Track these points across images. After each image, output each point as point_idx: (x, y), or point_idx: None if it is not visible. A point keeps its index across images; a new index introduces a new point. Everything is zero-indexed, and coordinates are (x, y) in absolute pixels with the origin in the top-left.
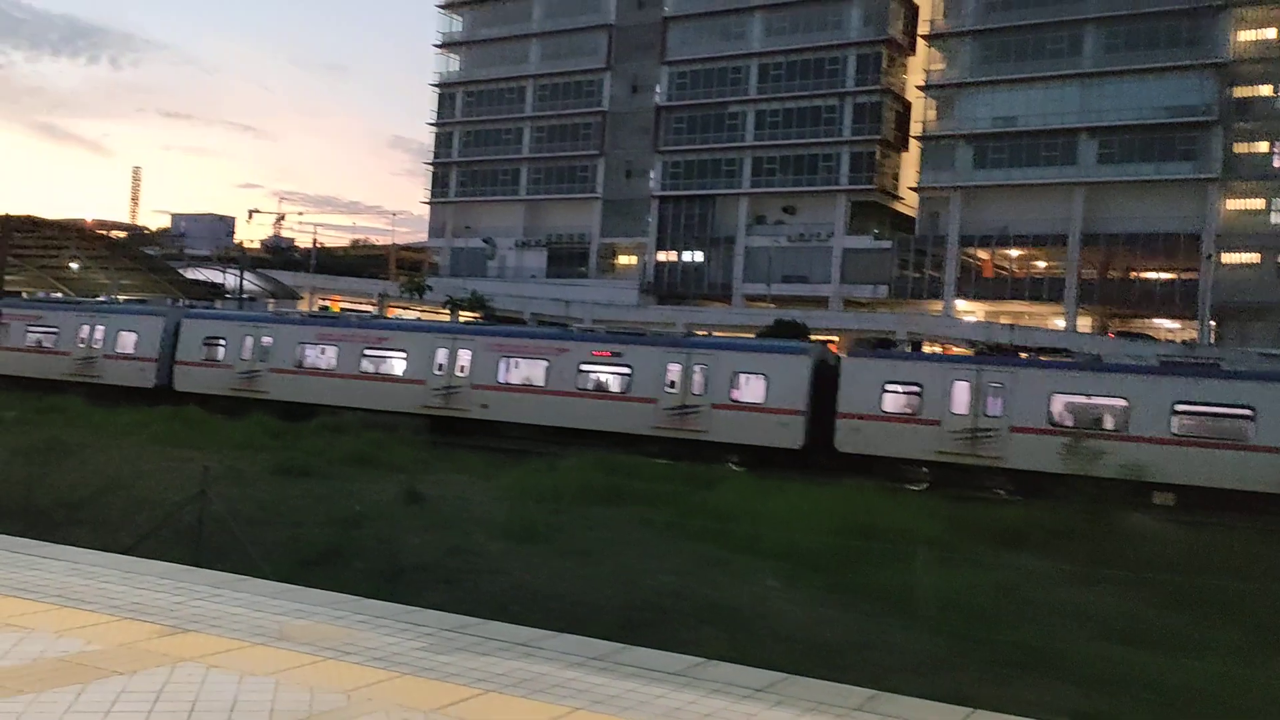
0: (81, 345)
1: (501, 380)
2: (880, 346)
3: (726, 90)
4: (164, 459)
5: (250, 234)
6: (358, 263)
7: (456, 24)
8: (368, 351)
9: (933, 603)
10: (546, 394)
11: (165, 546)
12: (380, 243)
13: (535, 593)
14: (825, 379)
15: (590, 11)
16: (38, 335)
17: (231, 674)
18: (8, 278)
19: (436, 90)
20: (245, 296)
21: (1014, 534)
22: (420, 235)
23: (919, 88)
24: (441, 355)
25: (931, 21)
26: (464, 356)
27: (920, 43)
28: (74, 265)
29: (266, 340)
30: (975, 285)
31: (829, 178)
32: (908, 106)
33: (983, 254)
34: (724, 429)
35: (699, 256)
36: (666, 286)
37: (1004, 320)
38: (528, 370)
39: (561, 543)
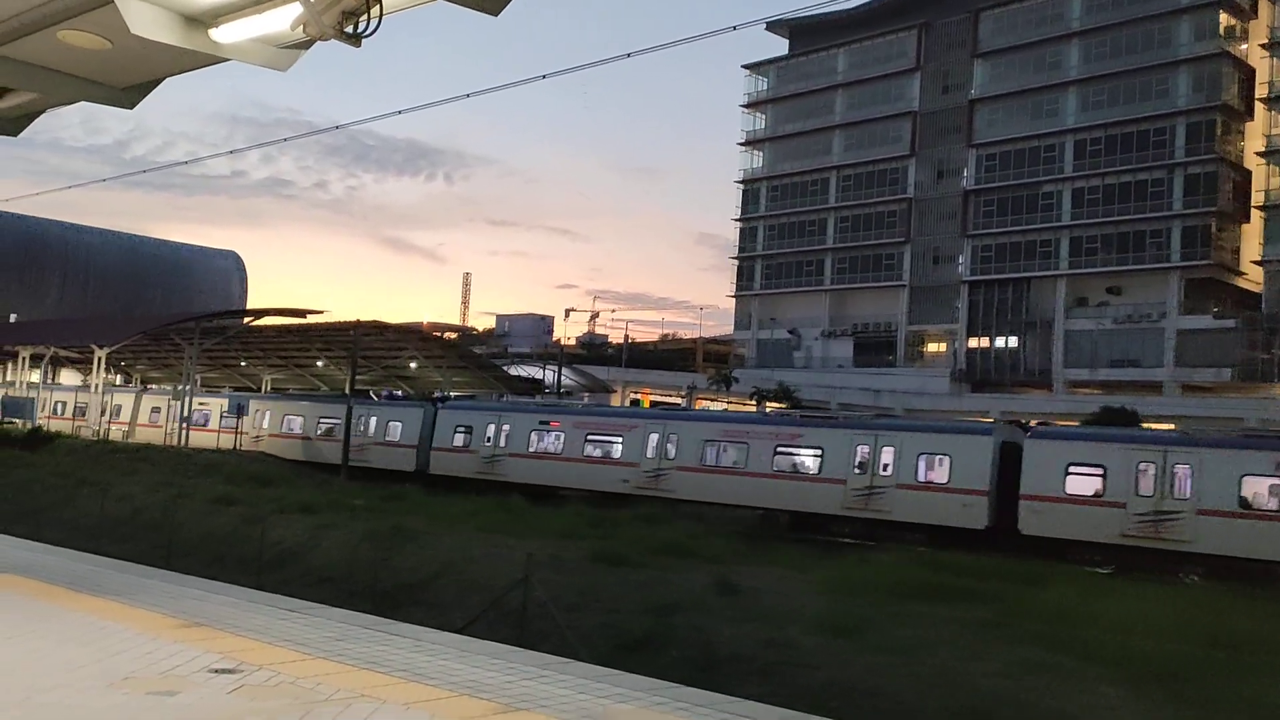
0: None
1: (708, 462)
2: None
3: (1039, 169)
4: (491, 545)
5: (567, 331)
6: (666, 356)
7: (760, 121)
8: (590, 436)
9: None
10: (744, 475)
11: (493, 628)
12: (688, 336)
13: (852, 689)
14: (1011, 460)
15: (894, 100)
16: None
17: None
18: (357, 377)
19: (741, 186)
20: (562, 391)
21: None
22: (726, 328)
23: (1259, 154)
24: (653, 440)
25: (1271, 83)
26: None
27: (1259, 106)
28: (413, 365)
29: (505, 428)
30: None
31: (1159, 254)
32: (1247, 175)
33: None
34: (908, 509)
35: (1013, 342)
36: (979, 373)
37: None
38: (735, 454)
39: (878, 638)
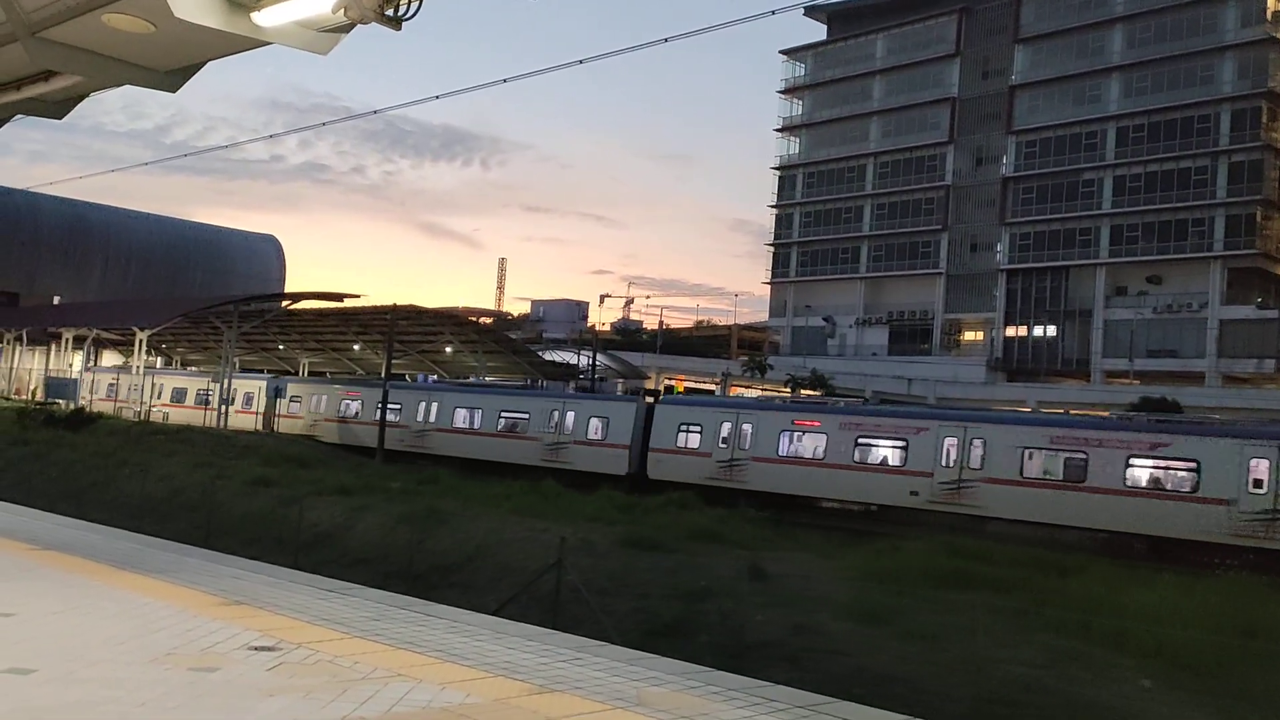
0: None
1: (1032, 474)
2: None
3: (1080, 156)
4: (524, 529)
5: (602, 317)
6: (701, 343)
7: (797, 108)
8: (863, 439)
9: None
10: (1083, 490)
11: (526, 611)
12: (722, 323)
13: (880, 675)
14: None
15: (932, 86)
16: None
17: None
18: (393, 361)
19: (777, 173)
20: (597, 378)
21: None
22: (761, 315)
23: None
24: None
25: None
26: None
27: None
28: (448, 349)
29: (746, 427)
30: None
31: (1200, 243)
32: None
33: None
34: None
35: (1051, 331)
36: (1016, 362)
37: None
38: (1068, 464)
39: (907, 625)
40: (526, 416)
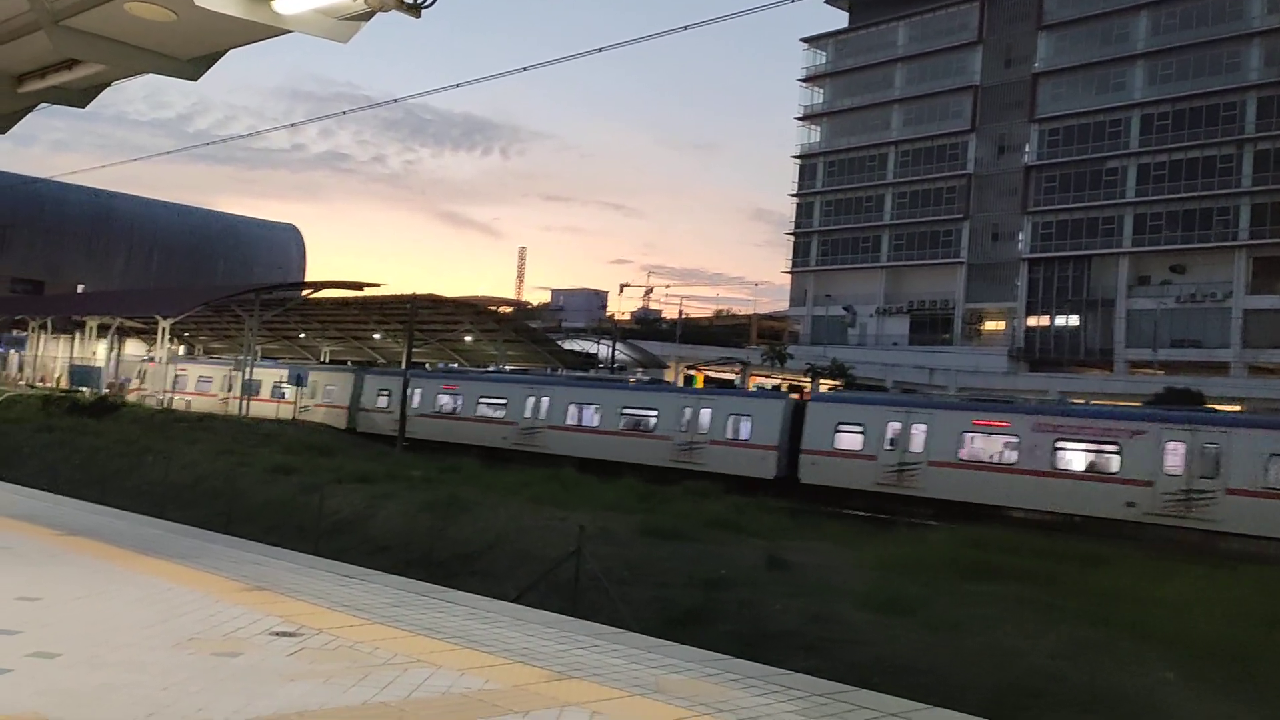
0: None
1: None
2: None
3: (1104, 145)
4: (543, 517)
5: (621, 306)
6: (721, 333)
7: (818, 96)
8: (1062, 443)
9: None
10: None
11: (545, 598)
12: (742, 313)
13: (900, 665)
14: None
15: (954, 74)
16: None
17: None
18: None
19: (798, 162)
20: (617, 366)
21: None
22: (781, 304)
23: None
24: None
25: None
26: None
27: None
28: (468, 338)
29: (919, 428)
30: None
31: (1225, 232)
32: None
33: None
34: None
35: (1074, 320)
36: (1038, 352)
37: None
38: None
39: (929, 616)
40: (654, 414)
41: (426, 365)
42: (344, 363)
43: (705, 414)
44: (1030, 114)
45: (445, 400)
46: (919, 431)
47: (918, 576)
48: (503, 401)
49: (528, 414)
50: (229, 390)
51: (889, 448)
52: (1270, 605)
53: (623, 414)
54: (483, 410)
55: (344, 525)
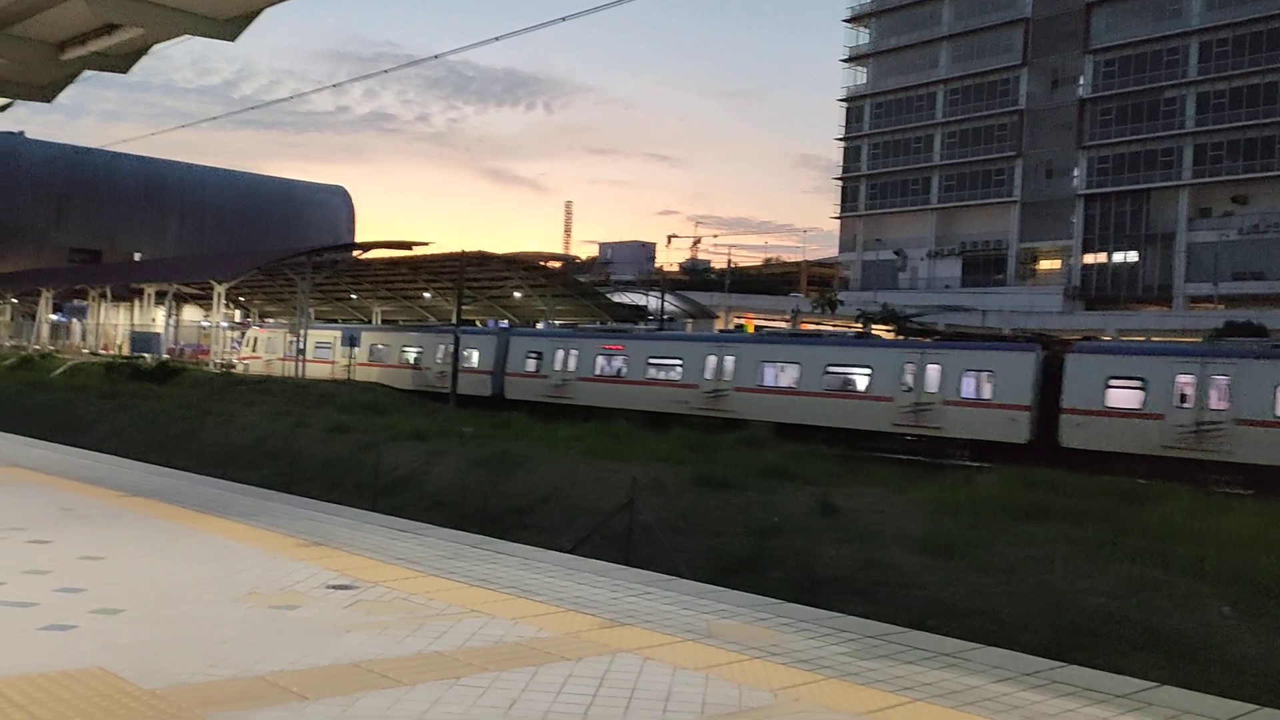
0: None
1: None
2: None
3: (1161, 74)
4: (595, 470)
5: (669, 258)
6: (770, 281)
7: (863, 36)
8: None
9: None
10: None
11: (598, 549)
12: (791, 260)
13: (954, 608)
14: None
15: (1004, 7)
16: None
17: (665, 666)
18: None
19: (844, 105)
20: (666, 317)
21: None
22: (830, 251)
23: None
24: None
25: None
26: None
27: None
28: (517, 294)
29: (1223, 378)
30: None
31: None
32: None
33: None
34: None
35: (1132, 256)
36: (1095, 290)
37: None
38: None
39: (981, 559)
40: (867, 371)
41: (477, 322)
42: (424, 323)
43: (933, 370)
44: (1084, 45)
45: (605, 362)
46: (1219, 384)
47: (969, 519)
48: (678, 362)
49: (708, 375)
50: (350, 357)
51: (1181, 405)
52: None
53: (828, 373)
54: (653, 372)
55: (400, 482)
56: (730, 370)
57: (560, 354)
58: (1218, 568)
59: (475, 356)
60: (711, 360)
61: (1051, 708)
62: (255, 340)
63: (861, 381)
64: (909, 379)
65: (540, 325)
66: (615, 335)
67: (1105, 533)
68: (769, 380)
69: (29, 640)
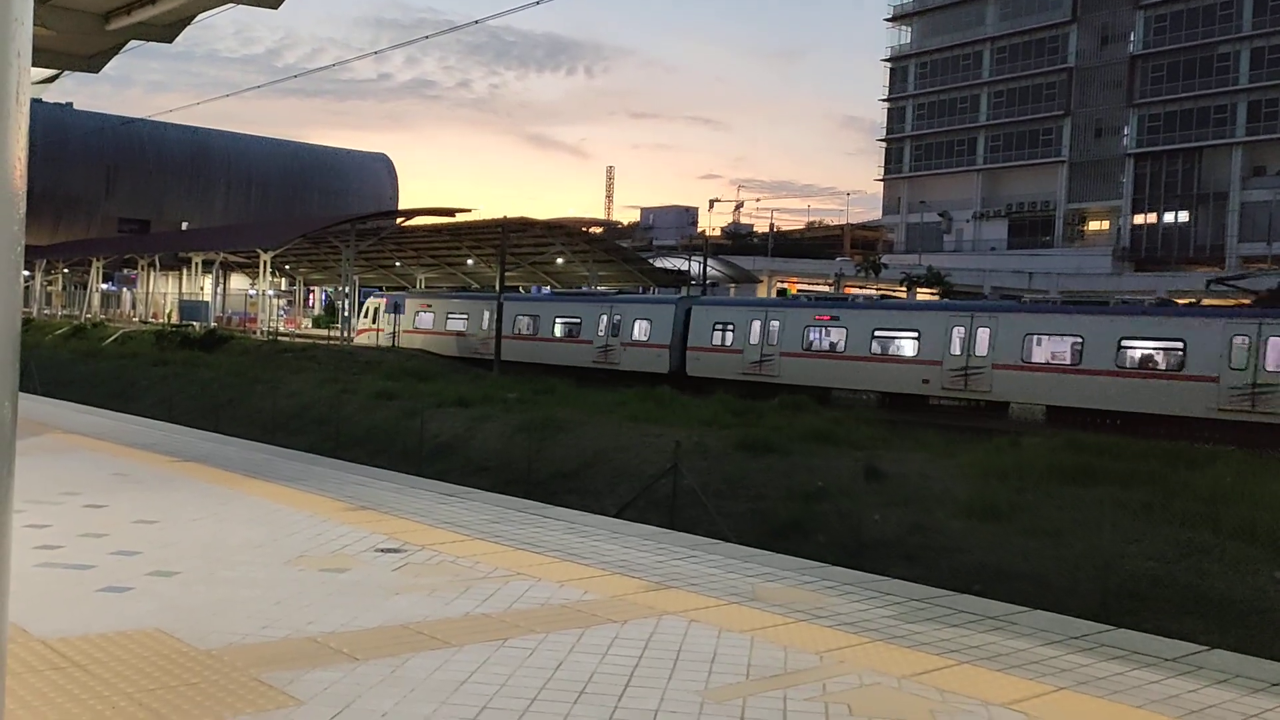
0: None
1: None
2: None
3: (1214, 29)
4: (639, 434)
5: (712, 222)
6: (813, 245)
7: None
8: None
9: None
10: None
11: (643, 514)
12: (834, 223)
13: (1000, 571)
14: None
15: None
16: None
17: (710, 628)
18: (506, 274)
19: (888, 65)
20: (708, 282)
21: None
22: (874, 213)
23: None
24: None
25: None
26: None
27: None
28: (559, 260)
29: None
30: None
31: None
32: None
33: None
34: None
35: (1183, 217)
36: (1145, 251)
37: None
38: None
39: (1027, 522)
40: (1179, 346)
41: (521, 289)
42: (464, 288)
43: (1276, 345)
44: (1135, 0)
45: (816, 334)
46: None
47: (1016, 483)
48: (914, 334)
49: (956, 350)
50: (486, 329)
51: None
52: None
53: (1122, 347)
54: (878, 347)
55: (445, 448)
56: (985, 344)
57: (757, 325)
58: (1270, 531)
59: (644, 328)
60: (958, 332)
61: (1100, 670)
62: (375, 311)
63: (1165, 359)
64: (1240, 359)
65: (730, 293)
66: (826, 303)
67: (1154, 496)
68: (1039, 357)
69: (88, 602)
